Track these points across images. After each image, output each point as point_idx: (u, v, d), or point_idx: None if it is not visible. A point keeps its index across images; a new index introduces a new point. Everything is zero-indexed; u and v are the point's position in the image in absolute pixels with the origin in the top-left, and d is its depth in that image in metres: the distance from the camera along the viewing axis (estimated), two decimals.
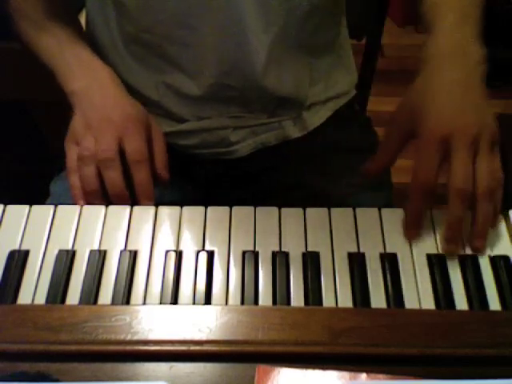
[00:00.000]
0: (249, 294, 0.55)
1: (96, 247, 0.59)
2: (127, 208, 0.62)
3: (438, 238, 0.60)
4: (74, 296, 0.55)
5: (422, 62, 0.62)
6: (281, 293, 0.55)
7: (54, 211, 0.62)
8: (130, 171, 0.64)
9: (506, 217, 0.62)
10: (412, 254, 0.59)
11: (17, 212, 0.62)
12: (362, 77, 1.06)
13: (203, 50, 0.72)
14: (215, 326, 0.51)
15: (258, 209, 0.62)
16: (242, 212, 0.62)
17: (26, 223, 0.61)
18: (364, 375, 0.48)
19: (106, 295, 0.55)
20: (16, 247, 0.59)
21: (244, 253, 0.58)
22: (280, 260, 0.57)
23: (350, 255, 0.58)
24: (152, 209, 0.62)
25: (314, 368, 0.48)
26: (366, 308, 0.54)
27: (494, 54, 0.70)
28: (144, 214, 0.62)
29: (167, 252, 0.58)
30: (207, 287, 0.56)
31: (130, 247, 0.59)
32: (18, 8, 0.74)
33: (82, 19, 0.82)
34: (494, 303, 0.55)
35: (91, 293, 0.55)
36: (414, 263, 0.58)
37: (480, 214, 0.58)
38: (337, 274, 0.57)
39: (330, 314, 0.52)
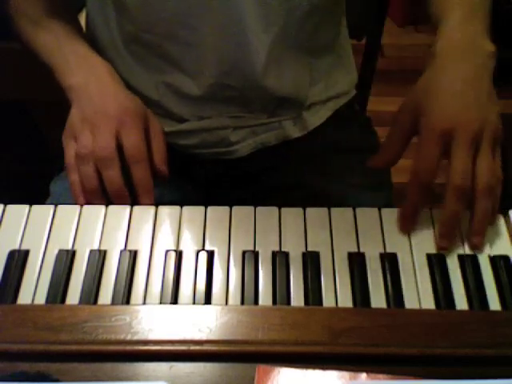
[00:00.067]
0: (249, 294, 0.55)
1: (96, 247, 0.59)
2: (127, 208, 0.62)
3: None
4: (73, 296, 0.55)
5: (430, 57, 0.61)
6: (281, 293, 0.55)
7: (54, 211, 0.62)
8: (128, 168, 0.64)
9: (506, 216, 0.62)
10: (412, 253, 0.59)
11: (17, 212, 0.62)
12: (362, 77, 1.06)
13: (203, 49, 0.72)
14: (215, 325, 0.51)
15: (258, 209, 0.62)
16: (242, 212, 0.62)
17: (26, 223, 0.61)
18: (364, 375, 0.48)
19: (105, 295, 0.55)
20: (16, 247, 0.59)
21: (244, 253, 0.58)
22: (280, 260, 0.57)
23: (350, 255, 0.58)
24: (152, 209, 0.62)
25: (314, 368, 0.48)
26: (365, 308, 0.54)
27: None
28: (144, 213, 0.62)
29: (167, 252, 0.58)
30: (207, 287, 0.56)
31: (130, 247, 0.59)
32: (18, 8, 0.75)
33: (82, 19, 0.82)
34: (494, 303, 0.55)
35: (91, 293, 0.55)
36: (413, 263, 0.58)
37: (479, 211, 0.58)
38: (337, 274, 0.57)
39: (329, 314, 0.52)
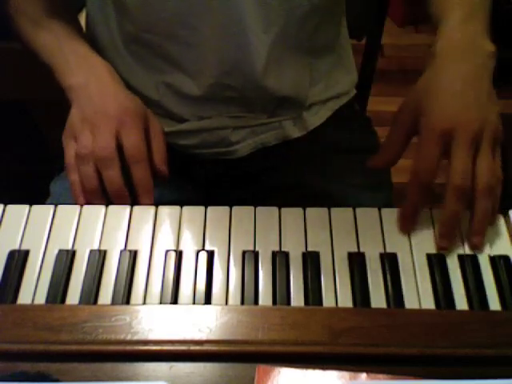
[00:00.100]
0: (249, 294, 0.55)
1: (96, 247, 0.59)
2: (127, 208, 0.62)
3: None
4: (73, 296, 0.55)
5: (430, 57, 0.62)
6: (281, 293, 0.55)
7: (54, 211, 0.62)
8: (128, 168, 0.64)
9: (506, 216, 0.62)
10: (412, 253, 0.59)
11: (17, 212, 0.62)
12: (362, 77, 1.06)
13: (203, 49, 0.72)
14: (215, 325, 0.51)
15: (258, 209, 0.62)
16: (242, 212, 0.62)
17: (26, 223, 0.61)
18: (364, 375, 0.48)
19: (105, 295, 0.55)
20: (16, 247, 0.59)
21: (244, 253, 0.58)
22: (280, 260, 0.57)
23: (350, 255, 0.58)
24: (152, 209, 0.62)
25: (314, 368, 0.48)
26: (365, 308, 0.54)
27: None
28: (144, 213, 0.62)
29: (167, 252, 0.58)
30: (207, 287, 0.56)
31: (130, 247, 0.59)
32: (18, 7, 0.74)
33: (82, 19, 0.82)
34: (494, 303, 0.55)
35: (91, 293, 0.55)
36: (414, 263, 0.58)
37: (479, 211, 0.58)
38: (337, 274, 0.57)
39: (329, 314, 0.52)
